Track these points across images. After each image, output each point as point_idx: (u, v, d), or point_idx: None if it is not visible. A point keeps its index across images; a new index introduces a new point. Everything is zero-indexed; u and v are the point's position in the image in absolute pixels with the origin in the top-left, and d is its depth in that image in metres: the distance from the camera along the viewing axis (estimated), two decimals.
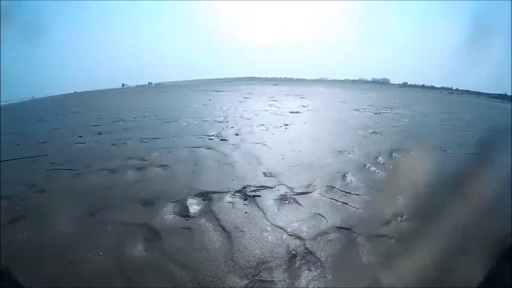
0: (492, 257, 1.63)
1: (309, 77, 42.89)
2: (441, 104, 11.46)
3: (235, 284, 1.53)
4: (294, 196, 2.54)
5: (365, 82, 34.85)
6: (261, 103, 9.34)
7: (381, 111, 8.16)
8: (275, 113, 7.25)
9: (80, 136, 4.64)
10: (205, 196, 2.50)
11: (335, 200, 2.50)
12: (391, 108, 8.76)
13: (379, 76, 36.72)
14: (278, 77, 51.17)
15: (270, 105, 8.82)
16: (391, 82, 32.41)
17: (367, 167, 3.36)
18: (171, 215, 2.19)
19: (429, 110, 8.68)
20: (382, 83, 33.57)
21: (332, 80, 39.77)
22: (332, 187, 2.76)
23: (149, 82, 29.91)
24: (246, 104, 9.09)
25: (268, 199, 2.48)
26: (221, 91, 14.23)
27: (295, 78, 45.48)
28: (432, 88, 24.80)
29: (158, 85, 28.13)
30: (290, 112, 7.45)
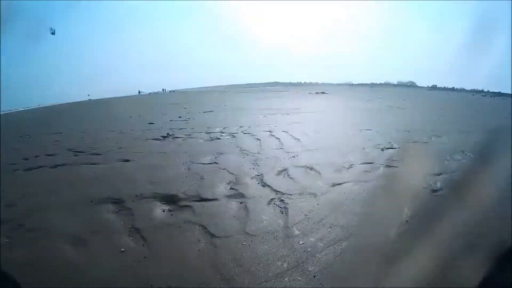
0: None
1: (333, 81, 44.86)
2: None
3: None
4: None
5: (393, 85, 36.10)
6: None
7: None
8: None
9: None
10: None
11: None
12: None
13: (404, 79, 38.04)
14: (303, 82, 53.07)
15: None
16: (418, 85, 34.13)
17: None
18: None
19: None
20: (409, 86, 34.46)
21: (358, 84, 41.59)
22: None
23: (163, 89, 30.05)
24: None
25: None
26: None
27: (319, 82, 47.45)
28: (462, 90, 26.95)
29: (172, 92, 28.15)
30: None
